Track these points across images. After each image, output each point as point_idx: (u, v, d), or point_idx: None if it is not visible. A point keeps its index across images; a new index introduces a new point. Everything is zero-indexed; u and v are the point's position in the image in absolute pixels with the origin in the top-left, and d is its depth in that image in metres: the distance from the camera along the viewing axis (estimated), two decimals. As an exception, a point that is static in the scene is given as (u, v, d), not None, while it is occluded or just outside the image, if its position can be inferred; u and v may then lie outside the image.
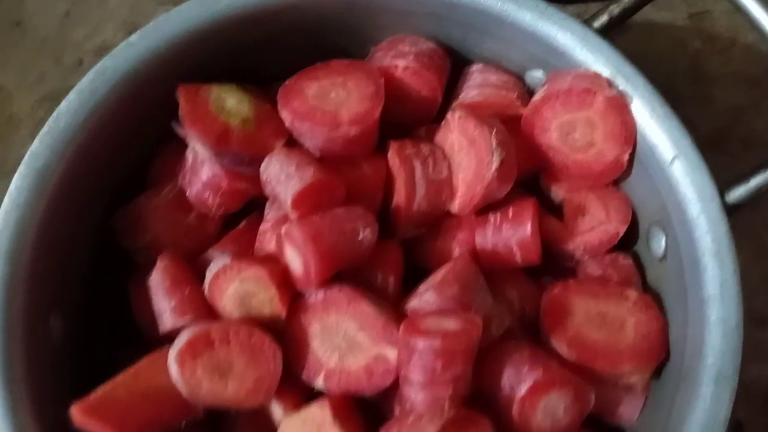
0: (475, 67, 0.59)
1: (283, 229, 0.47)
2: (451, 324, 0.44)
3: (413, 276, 0.54)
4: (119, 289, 0.54)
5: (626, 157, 0.53)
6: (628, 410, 0.50)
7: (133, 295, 0.53)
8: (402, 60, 0.56)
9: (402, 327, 0.46)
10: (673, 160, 0.50)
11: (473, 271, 0.50)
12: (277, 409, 0.49)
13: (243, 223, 0.55)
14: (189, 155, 0.54)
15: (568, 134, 0.54)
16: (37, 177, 0.48)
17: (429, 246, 0.56)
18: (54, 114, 0.50)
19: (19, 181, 0.48)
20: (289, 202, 0.49)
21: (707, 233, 0.48)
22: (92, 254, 0.54)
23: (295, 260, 0.48)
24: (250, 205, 0.56)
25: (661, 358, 0.49)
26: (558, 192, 0.57)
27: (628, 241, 0.55)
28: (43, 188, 0.49)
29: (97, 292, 0.54)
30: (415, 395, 0.45)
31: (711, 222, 0.48)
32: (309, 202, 0.49)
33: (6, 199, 0.48)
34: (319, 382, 0.48)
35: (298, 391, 0.49)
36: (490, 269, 0.53)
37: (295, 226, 0.47)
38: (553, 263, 0.56)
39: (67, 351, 0.50)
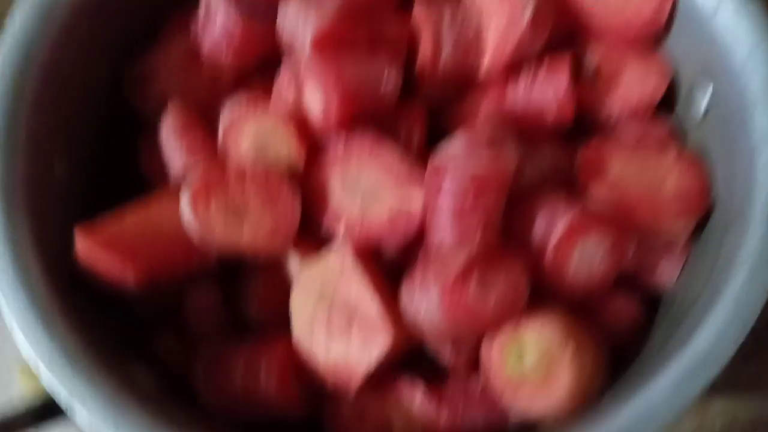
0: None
1: (304, 63, 0.44)
2: (481, 157, 0.41)
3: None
4: (130, 155, 0.51)
5: (667, 8, 0.49)
6: (668, 270, 0.47)
7: (143, 149, 0.50)
8: None
9: (429, 164, 0.43)
10: (716, 9, 0.46)
11: (503, 125, 0.47)
12: (294, 263, 0.46)
13: (256, 79, 0.52)
14: (201, 8, 0.51)
15: (604, -12, 0.51)
16: (41, 14, 0.46)
17: (455, 110, 0.53)
18: (60, -49, 0.47)
19: (22, 17, 0.45)
20: (308, 40, 0.46)
21: (755, 76, 0.44)
22: (101, 109, 0.51)
23: (314, 98, 0.45)
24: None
25: (704, 209, 0.46)
26: (593, 55, 0.54)
27: (667, 105, 0.52)
28: (47, 27, 0.46)
29: (106, 151, 0.52)
30: (441, 236, 0.42)
31: (759, 63, 0.44)
32: (330, 42, 0.46)
33: (8, 33, 0.45)
34: (340, 233, 0.46)
35: (316, 244, 0.46)
36: (520, 131, 0.50)
37: (317, 60, 0.44)
38: (585, 131, 0.52)
39: (73, 197, 0.47)
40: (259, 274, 0.47)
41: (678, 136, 0.51)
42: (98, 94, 0.51)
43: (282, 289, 0.46)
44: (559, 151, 0.50)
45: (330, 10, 0.46)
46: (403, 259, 0.46)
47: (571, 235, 0.42)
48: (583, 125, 0.52)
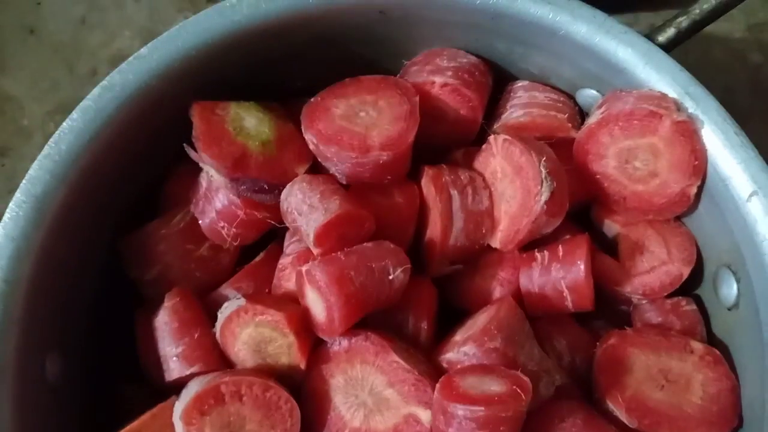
0: (520, 84, 0.53)
1: (304, 270, 0.42)
2: (495, 386, 0.39)
3: (445, 315, 0.49)
4: (128, 318, 0.49)
5: (694, 190, 0.46)
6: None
7: (139, 334, 0.48)
8: (439, 76, 0.50)
9: (438, 387, 0.40)
10: (750, 196, 0.43)
11: (518, 319, 0.44)
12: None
13: (261, 256, 0.50)
14: (203, 180, 0.49)
15: (627, 162, 0.48)
16: (36, 205, 0.44)
17: (466, 285, 0.50)
18: (55, 134, 0.45)
19: (14, 210, 0.44)
20: (312, 236, 0.43)
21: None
22: (99, 284, 0.50)
23: (317, 304, 0.42)
24: (270, 233, 0.51)
25: (733, 424, 0.43)
26: (612, 227, 0.51)
27: (692, 285, 0.49)
28: (41, 217, 0.44)
29: (104, 324, 0.50)
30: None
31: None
32: (334, 237, 0.44)
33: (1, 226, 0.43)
34: (342, 443, 0.43)
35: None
36: (535, 315, 0.48)
37: (317, 266, 0.42)
38: (606, 306, 0.50)
39: (66, 392, 0.45)
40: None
41: (703, 321, 0.48)
42: (95, 274, 0.49)
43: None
44: (577, 341, 0.47)
45: (335, 202, 0.44)
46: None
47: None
48: (603, 298, 0.49)
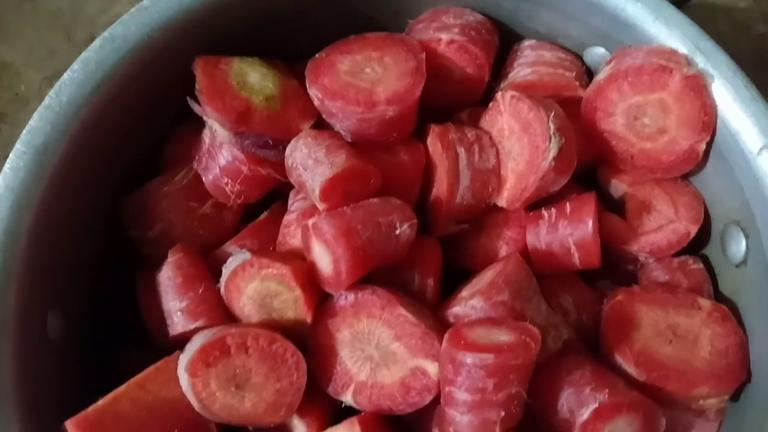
0: (527, 43, 0.52)
1: (311, 222, 0.41)
2: (504, 336, 0.38)
3: (450, 276, 0.49)
4: (129, 281, 0.49)
5: (703, 146, 0.46)
6: (701, 437, 0.44)
7: (141, 292, 0.47)
8: (445, 33, 0.49)
9: (447, 338, 0.39)
10: (761, 150, 0.43)
11: (525, 274, 0.44)
12: (299, 428, 0.43)
13: (265, 214, 0.49)
14: (206, 137, 0.48)
15: (635, 119, 0.47)
16: (36, 156, 0.43)
17: (471, 244, 0.49)
18: (56, 86, 0.44)
19: (15, 161, 0.43)
20: (317, 191, 0.43)
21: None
22: (99, 244, 0.49)
23: (323, 258, 0.42)
24: (273, 194, 0.50)
25: (741, 378, 0.43)
26: (619, 186, 0.50)
27: (699, 244, 0.49)
28: (42, 169, 0.43)
29: (104, 285, 0.49)
30: (459, 417, 0.39)
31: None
32: (340, 192, 0.43)
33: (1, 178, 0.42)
34: (348, 397, 0.43)
35: (323, 406, 0.43)
36: (542, 272, 0.47)
37: (324, 219, 0.41)
38: (612, 266, 0.49)
39: (68, 351, 0.45)
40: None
41: (710, 279, 0.48)
42: (97, 231, 0.48)
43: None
44: (583, 299, 0.47)
45: (340, 156, 0.44)
46: (420, 417, 0.43)
47: (598, 418, 0.39)
48: (610, 257, 0.49)
